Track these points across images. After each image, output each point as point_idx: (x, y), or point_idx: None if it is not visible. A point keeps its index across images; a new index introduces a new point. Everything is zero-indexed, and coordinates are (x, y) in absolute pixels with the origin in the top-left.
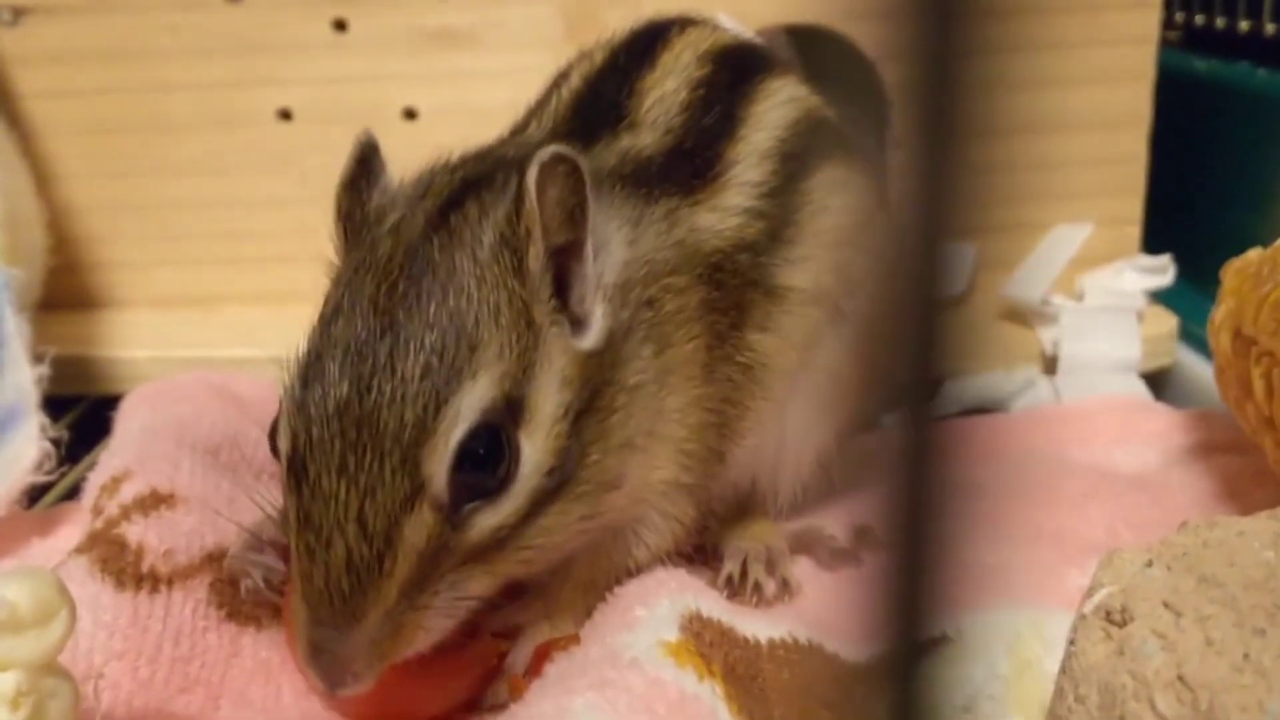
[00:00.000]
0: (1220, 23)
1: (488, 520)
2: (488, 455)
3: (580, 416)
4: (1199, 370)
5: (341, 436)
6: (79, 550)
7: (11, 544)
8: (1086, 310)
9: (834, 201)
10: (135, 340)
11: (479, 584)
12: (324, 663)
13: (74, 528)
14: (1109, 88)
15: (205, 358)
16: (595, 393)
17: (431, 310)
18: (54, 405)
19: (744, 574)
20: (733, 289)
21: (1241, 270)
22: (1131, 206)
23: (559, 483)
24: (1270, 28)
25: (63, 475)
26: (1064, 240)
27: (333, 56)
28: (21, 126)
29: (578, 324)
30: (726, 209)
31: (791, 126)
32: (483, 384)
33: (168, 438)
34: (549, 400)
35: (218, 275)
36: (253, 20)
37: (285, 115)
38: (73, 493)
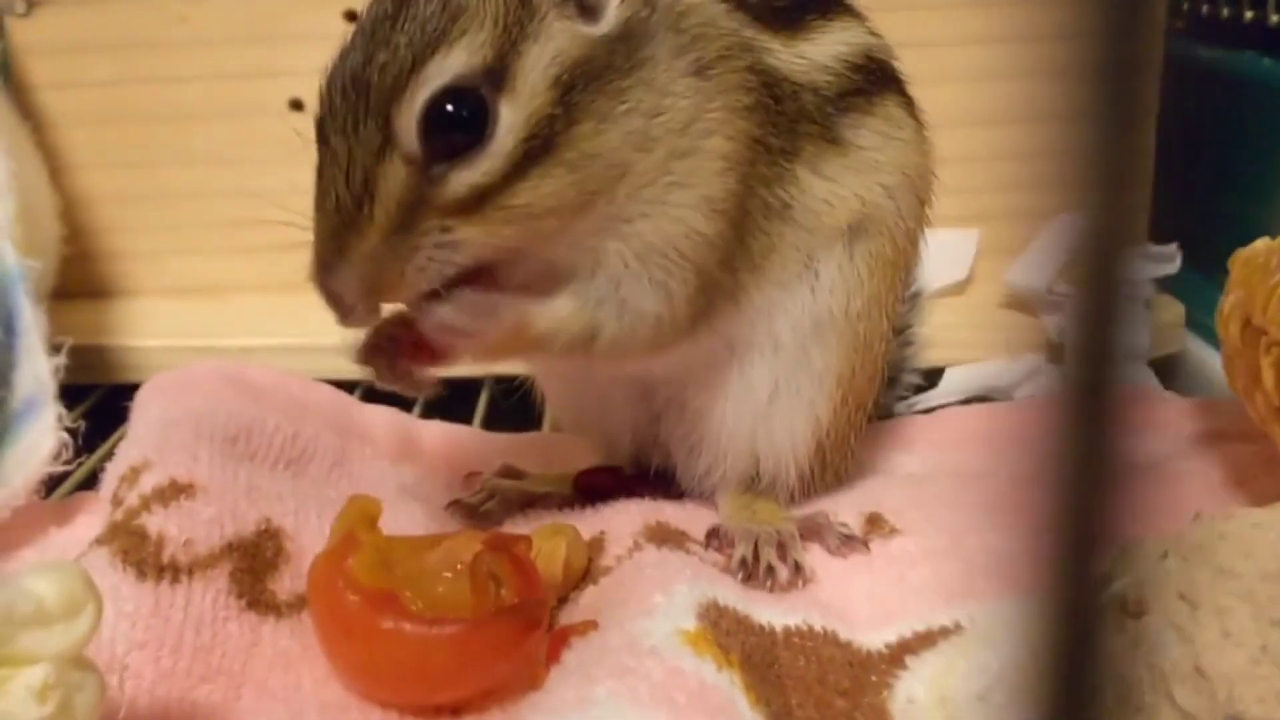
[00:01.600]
0: (1225, 12)
1: (464, 177)
2: (464, 116)
3: (575, 91)
4: (1205, 357)
5: (345, 101)
6: (100, 541)
7: (30, 533)
8: None
9: (896, 133)
10: (147, 330)
11: (468, 236)
12: (327, 297)
13: (91, 517)
14: None
15: (217, 346)
16: (600, 75)
17: None
18: (67, 394)
19: (756, 557)
20: (789, 117)
21: (1249, 261)
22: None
23: (541, 148)
24: (1275, 17)
25: (79, 465)
26: (1069, 227)
27: None
28: (34, 118)
29: (587, 11)
30: (804, 57)
31: (869, 50)
32: (459, 50)
33: (186, 428)
34: (535, 71)
35: (230, 265)
36: (264, 11)
37: (297, 105)
38: (89, 482)
